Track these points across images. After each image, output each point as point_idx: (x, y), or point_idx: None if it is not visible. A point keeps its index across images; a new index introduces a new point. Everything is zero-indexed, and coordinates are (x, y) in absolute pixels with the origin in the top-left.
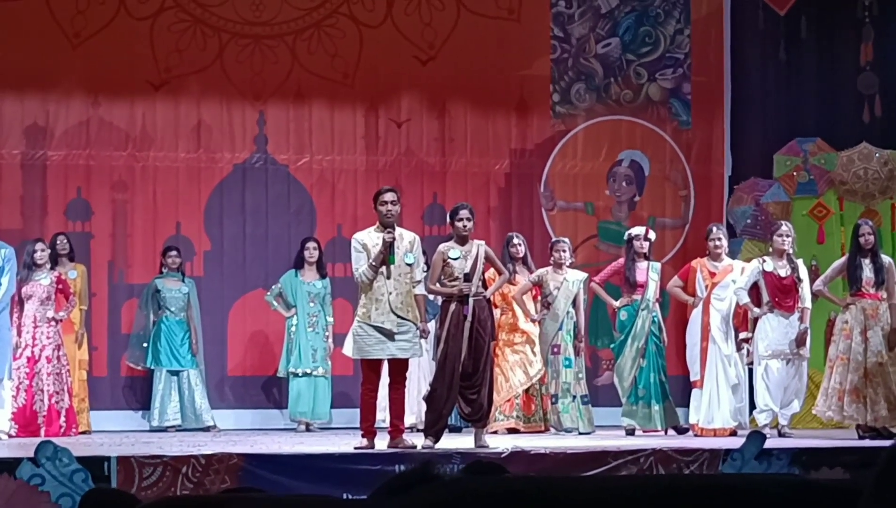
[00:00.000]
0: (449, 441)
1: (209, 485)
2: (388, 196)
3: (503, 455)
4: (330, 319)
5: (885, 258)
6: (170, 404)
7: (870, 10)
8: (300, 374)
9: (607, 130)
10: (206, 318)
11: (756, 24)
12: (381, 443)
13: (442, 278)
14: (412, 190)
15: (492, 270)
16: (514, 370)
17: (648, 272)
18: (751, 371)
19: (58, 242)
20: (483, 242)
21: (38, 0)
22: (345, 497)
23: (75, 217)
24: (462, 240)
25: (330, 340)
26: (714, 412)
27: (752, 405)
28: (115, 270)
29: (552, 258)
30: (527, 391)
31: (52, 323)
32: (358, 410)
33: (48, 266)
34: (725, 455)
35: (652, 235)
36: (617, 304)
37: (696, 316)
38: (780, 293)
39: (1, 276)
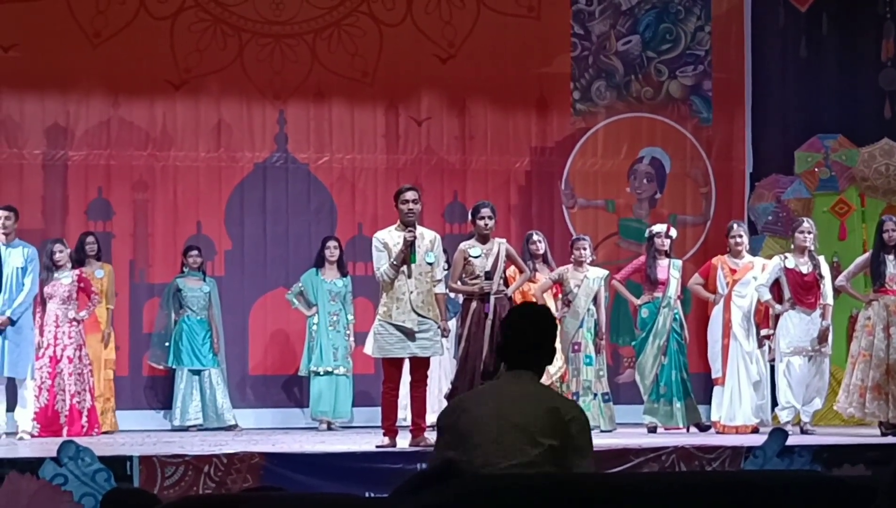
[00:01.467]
0: None
1: (231, 484)
2: (409, 195)
3: None
4: (351, 317)
5: None
6: (191, 403)
7: (891, 6)
8: (321, 373)
9: (628, 127)
10: (227, 317)
11: (777, 20)
12: (403, 442)
13: (463, 276)
14: (432, 188)
15: (513, 268)
16: None
17: (669, 270)
18: (772, 368)
19: (87, 242)
20: (504, 240)
21: (59, 2)
22: (367, 495)
23: (96, 217)
24: (483, 238)
25: (351, 338)
26: (736, 410)
27: (774, 402)
28: (137, 269)
29: (573, 256)
30: None
31: (74, 323)
32: (379, 408)
33: (69, 266)
34: (747, 453)
35: (673, 232)
36: (638, 301)
37: (717, 313)
38: (801, 290)
39: (24, 276)
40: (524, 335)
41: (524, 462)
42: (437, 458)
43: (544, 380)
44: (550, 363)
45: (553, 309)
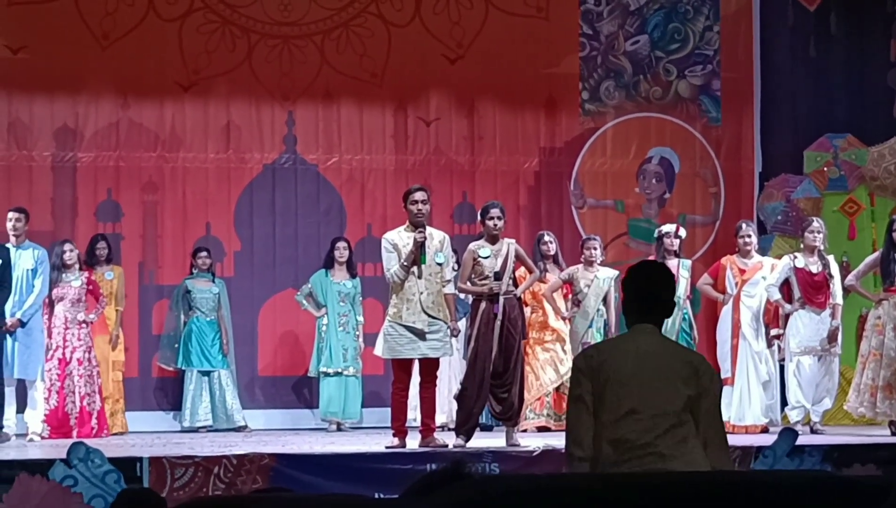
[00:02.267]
0: (480, 440)
1: (241, 485)
2: (418, 195)
3: (535, 454)
4: (360, 318)
5: None
6: (201, 404)
7: None
8: (331, 374)
9: (637, 127)
10: (236, 318)
11: (785, 20)
12: (413, 442)
13: (472, 276)
14: (441, 189)
15: (522, 268)
16: (545, 369)
17: (679, 270)
18: (782, 368)
19: (98, 246)
20: (513, 240)
21: (67, 2)
22: (376, 496)
23: (105, 218)
24: (492, 239)
25: (360, 339)
26: (745, 410)
27: (784, 402)
28: (146, 271)
29: (583, 256)
30: (557, 388)
31: (83, 325)
32: (389, 409)
33: (77, 267)
34: (757, 453)
35: (682, 232)
36: None
37: (726, 313)
38: (811, 290)
39: (34, 278)
40: (646, 290)
41: (672, 411)
42: (447, 460)
43: (555, 379)
44: (670, 316)
45: (563, 309)
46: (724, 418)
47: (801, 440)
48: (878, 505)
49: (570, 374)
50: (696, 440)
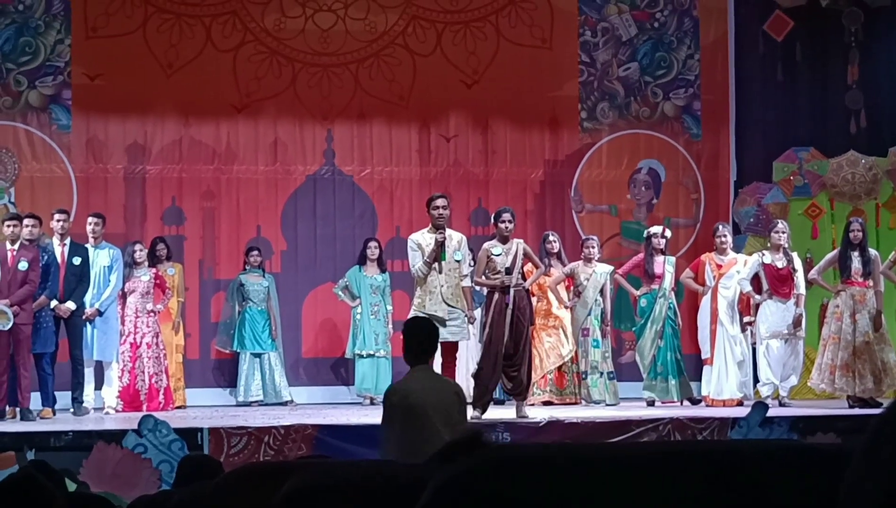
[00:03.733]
0: (494, 413)
1: (287, 452)
2: (440, 201)
3: (541, 425)
4: (390, 307)
5: (872, 252)
6: (253, 382)
7: (855, 35)
8: (364, 355)
9: (628, 142)
10: (283, 308)
11: (757, 49)
12: None
13: (486, 271)
14: (459, 196)
15: (529, 264)
16: (549, 351)
17: (665, 265)
18: (754, 350)
19: (158, 247)
20: (522, 240)
21: (137, 36)
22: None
23: (170, 222)
24: (504, 239)
25: (390, 326)
26: (723, 385)
27: (756, 379)
28: (205, 267)
29: (582, 254)
30: (560, 368)
31: (151, 314)
32: None
33: (146, 264)
34: (733, 423)
35: (668, 233)
36: (638, 292)
37: (705, 302)
38: (777, 282)
39: (110, 274)
40: (427, 341)
41: (451, 425)
42: (466, 430)
43: (557, 361)
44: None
45: (565, 299)
46: (705, 393)
47: (771, 413)
48: (838, 470)
49: (570, 355)
50: None
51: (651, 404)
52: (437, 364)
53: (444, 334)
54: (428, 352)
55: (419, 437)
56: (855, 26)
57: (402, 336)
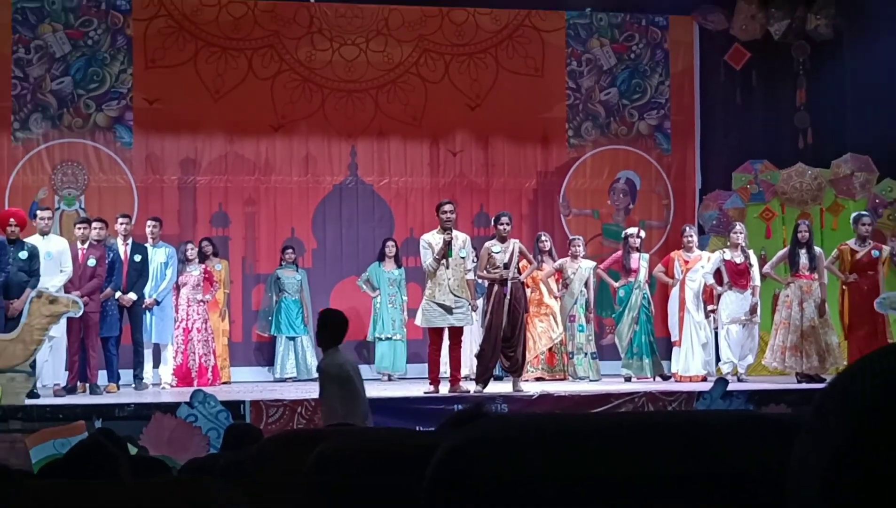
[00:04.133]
0: (494, 387)
1: (317, 422)
2: (447, 207)
3: (533, 398)
4: (405, 297)
5: (817, 249)
6: (288, 361)
7: (803, 64)
8: (383, 338)
9: (609, 156)
10: (314, 297)
11: (718, 76)
12: (444, 389)
13: (487, 267)
14: (464, 202)
15: (524, 260)
16: (541, 335)
17: (640, 261)
18: (716, 333)
19: (203, 245)
20: (517, 240)
21: (188, 66)
22: (417, 429)
23: (217, 225)
24: (502, 239)
25: (405, 313)
26: (689, 364)
27: (718, 358)
28: (247, 263)
29: (570, 251)
30: (550, 349)
31: (201, 304)
32: (426, 364)
33: (197, 261)
34: (698, 396)
35: (642, 233)
36: (617, 284)
37: (675, 293)
38: (736, 275)
39: (166, 269)
40: (342, 327)
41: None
42: (470, 402)
43: (548, 343)
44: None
45: (555, 290)
46: (674, 370)
47: (730, 387)
48: (788, 436)
49: (559, 338)
50: None
51: (628, 380)
52: (444, 346)
53: (451, 320)
54: (341, 337)
55: (355, 400)
56: (803, 57)
57: (319, 323)
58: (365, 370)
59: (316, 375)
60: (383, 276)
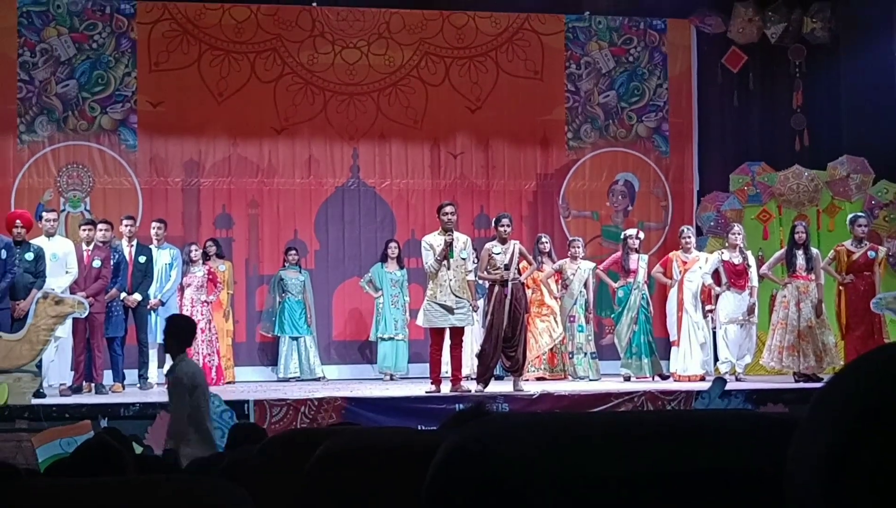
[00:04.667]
0: (495, 387)
1: (321, 421)
2: (448, 208)
3: (534, 397)
4: (407, 298)
5: (814, 250)
6: (291, 361)
7: (799, 67)
8: (386, 338)
9: (607, 158)
10: (316, 298)
11: (716, 79)
12: (446, 388)
13: (488, 267)
14: (465, 204)
15: (524, 261)
16: (542, 335)
17: (639, 262)
18: (715, 333)
19: (207, 245)
20: (517, 241)
21: (192, 69)
22: (419, 428)
23: (221, 226)
24: (503, 240)
25: (407, 313)
26: (688, 363)
27: (716, 358)
28: (251, 264)
29: (569, 252)
30: (551, 349)
31: (205, 304)
32: (428, 364)
33: (201, 262)
34: (697, 395)
35: (641, 235)
36: (616, 285)
37: (673, 293)
38: (734, 276)
39: (171, 270)
40: (184, 335)
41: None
42: (472, 401)
43: (548, 343)
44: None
45: (555, 291)
46: (673, 370)
47: (729, 386)
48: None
49: (559, 338)
50: None
51: (627, 379)
52: (445, 346)
53: (452, 320)
54: (189, 343)
55: (202, 409)
56: (799, 60)
57: (166, 331)
58: (367, 370)
59: (319, 375)
60: (386, 277)
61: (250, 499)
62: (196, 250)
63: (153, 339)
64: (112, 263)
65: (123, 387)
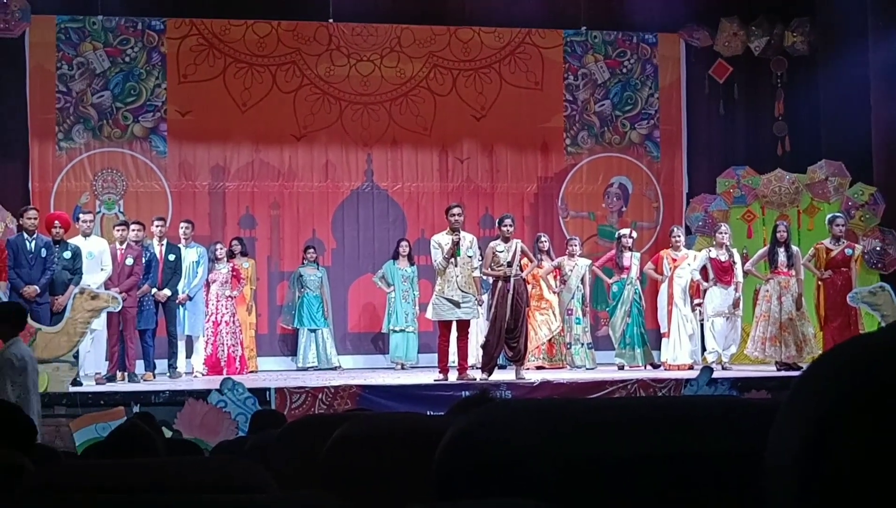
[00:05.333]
0: (498, 375)
1: (337, 407)
2: (456, 210)
3: (535, 385)
4: (417, 293)
5: (794, 248)
6: (310, 351)
7: (781, 78)
8: (397, 330)
9: (603, 163)
10: (333, 293)
11: (703, 89)
12: (452, 376)
13: (492, 264)
14: (471, 205)
15: (526, 258)
16: (541, 327)
17: (632, 259)
18: (702, 325)
19: (233, 243)
20: (519, 240)
21: (218, 81)
22: (428, 413)
23: (245, 227)
24: (506, 239)
25: (417, 307)
26: (678, 353)
27: (703, 348)
28: (272, 262)
29: (567, 250)
30: (550, 340)
31: (230, 299)
32: (436, 354)
33: (226, 260)
34: (685, 383)
35: (634, 234)
36: (610, 281)
37: (664, 288)
38: (721, 272)
39: (198, 267)
40: (16, 320)
41: None
42: (477, 389)
43: (547, 334)
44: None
45: (554, 286)
46: (664, 359)
47: (715, 375)
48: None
49: (558, 330)
50: None
51: (621, 368)
52: (453, 337)
53: (459, 313)
54: (22, 327)
55: (28, 393)
56: (781, 71)
57: None
58: (380, 360)
59: (336, 364)
60: (397, 273)
61: (272, 479)
62: (221, 249)
63: (181, 331)
64: (143, 261)
65: (154, 376)
